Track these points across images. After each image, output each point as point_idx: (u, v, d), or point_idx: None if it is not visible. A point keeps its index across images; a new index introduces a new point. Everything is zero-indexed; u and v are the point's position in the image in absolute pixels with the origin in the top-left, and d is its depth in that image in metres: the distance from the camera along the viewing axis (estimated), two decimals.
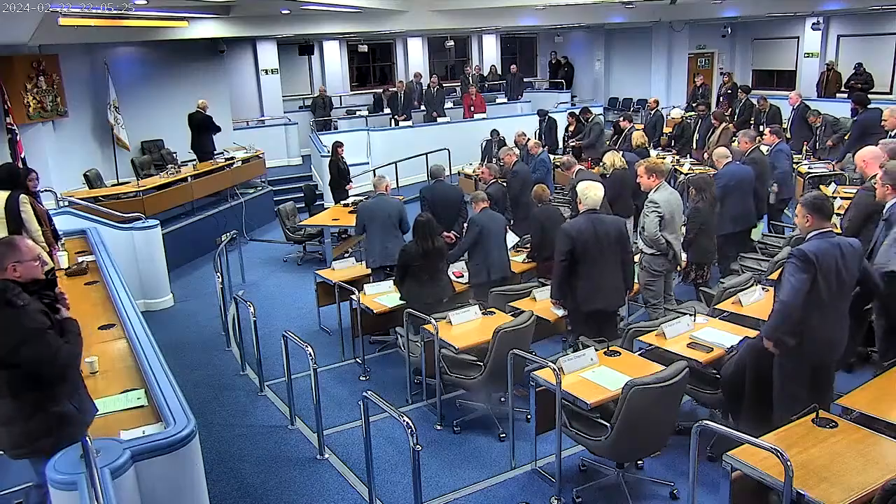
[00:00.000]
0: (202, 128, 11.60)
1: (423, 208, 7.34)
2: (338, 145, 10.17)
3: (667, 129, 12.93)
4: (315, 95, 15.88)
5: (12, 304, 2.97)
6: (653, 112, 12.81)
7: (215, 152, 11.69)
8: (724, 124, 10.36)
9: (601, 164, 8.21)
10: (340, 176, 10.20)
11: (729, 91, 14.24)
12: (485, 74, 18.24)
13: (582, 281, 5.06)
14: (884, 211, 4.55)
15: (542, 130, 12.83)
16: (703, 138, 10.93)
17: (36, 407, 3.08)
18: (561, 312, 5.31)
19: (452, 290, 5.97)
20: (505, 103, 16.65)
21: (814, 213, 3.83)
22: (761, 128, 12.00)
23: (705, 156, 10.38)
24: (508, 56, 19.98)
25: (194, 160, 11.33)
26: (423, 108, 15.43)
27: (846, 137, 10.23)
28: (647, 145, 9.94)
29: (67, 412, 3.13)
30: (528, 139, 10.32)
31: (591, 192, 5.13)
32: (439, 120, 14.68)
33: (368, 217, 6.93)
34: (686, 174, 9.56)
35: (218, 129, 11.81)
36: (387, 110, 15.42)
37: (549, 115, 13.17)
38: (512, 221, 7.90)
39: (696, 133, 11.35)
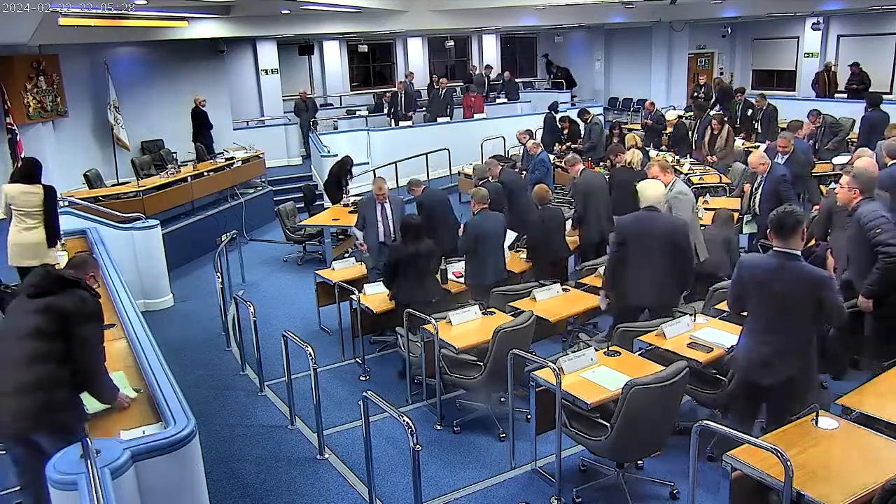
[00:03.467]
0: (198, 122, 12.19)
1: (419, 212, 7.35)
2: (347, 160, 10.11)
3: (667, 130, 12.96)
4: (297, 98, 15.14)
5: (92, 291, 3.53)
6: (652, 113, 12.85)
7: (213, 147, 12.20)
8: (726, 127, 10.28)
9: (603, 162, 8.16)
10: (337, 187, 10.13)
11: (716, 95, 14.27)
12: (487, 76, 18.19)
13: (625, 276, 5.10)
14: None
15: (545, 126, 12.92)
16: (700, 138, 10.92)
17: (64, 379, 3.28)
18: (604, 305, 5.41)
19: (441, 292, 6.00)
20: (505, 103, 16.67)
21: (771, 230, 3.69)
22: (756, 125, 12.05)
23: (710, 158, 10.33)
24: (508, 56, 19.98)
25: (194, 160, 11.34)
26: (424, 109, 15.26)
27: (847, 138, 10.26)
28: (645, 146, 9.95)
29: (80, 398, 3.40)
30: (529, 139, 10.31)
31: (649, 190, 5.18)
32: (439, 120, 14.68)
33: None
34: (686, 174, 9.55)
35: (210, 126, 12.36)
36: (387, 110, 15.42)
37: (553, 112, 13.30)
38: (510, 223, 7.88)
39: (694, 133, 11.34)
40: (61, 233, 6.55)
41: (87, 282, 3.63)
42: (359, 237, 7.40)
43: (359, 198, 9.65)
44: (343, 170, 10.01)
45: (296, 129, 15.02)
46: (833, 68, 15.31)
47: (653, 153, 10.16)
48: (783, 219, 3.61)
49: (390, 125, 14.82)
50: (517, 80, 18.36)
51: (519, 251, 6.99)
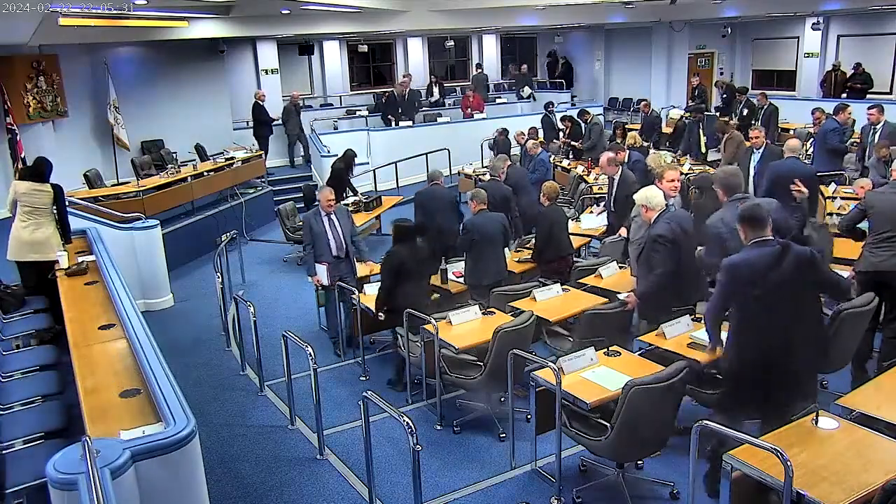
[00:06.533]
0: (257, 117, 13.14)
1: (416, 210, 7.34)
2: (349, 153, 10.05)
3: (667, 129, 12.95)
4: (286, 103, 14.18)
5: None
6: (647, 113, 12.85)
7: (268, 142, 13.32)
8: (727, 134, 10.25)
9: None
10: (339, 185, 10.08)
11: (724, 95, 14.25)
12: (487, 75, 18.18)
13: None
14: None
15: (542, 127, 12.91)
16: (696, 142, 10.94)
17: None
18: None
19: (430, 294, 6.00)
20: (505, 103, 16.66)
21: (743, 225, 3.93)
22: (755, 125, 12.03)
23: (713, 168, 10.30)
24: (508, 56, 19.98)
25: (194, 160, 11.34)
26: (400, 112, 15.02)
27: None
28: (643, 145, 9.95)
29: None
30: (527, 140, 10.32)
31: (657, 196, 5.14)
32: (439, 120, 14.66)
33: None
34: (686, 174, 9.54)
35: (266, 121, 13.20)
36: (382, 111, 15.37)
37: (549, 111, 13.33)
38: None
39: (701, 135, 11.29)
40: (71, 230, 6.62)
41: None
42: (318, 275, 6.40)
43: (364, 198, 9.73)
44: (347, 164, 9.98)
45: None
46: (841, 68, 15.31)
47: (652, 152, 10.17)
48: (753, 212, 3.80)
49: (390, 124, 14.80)
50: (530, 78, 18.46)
51: (520, 251, 6.99)
